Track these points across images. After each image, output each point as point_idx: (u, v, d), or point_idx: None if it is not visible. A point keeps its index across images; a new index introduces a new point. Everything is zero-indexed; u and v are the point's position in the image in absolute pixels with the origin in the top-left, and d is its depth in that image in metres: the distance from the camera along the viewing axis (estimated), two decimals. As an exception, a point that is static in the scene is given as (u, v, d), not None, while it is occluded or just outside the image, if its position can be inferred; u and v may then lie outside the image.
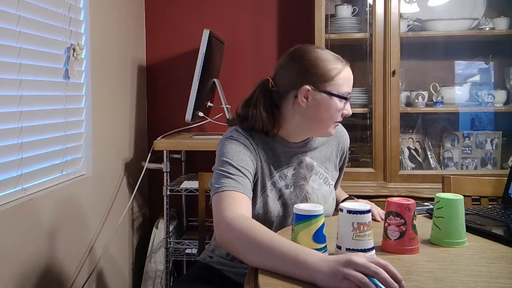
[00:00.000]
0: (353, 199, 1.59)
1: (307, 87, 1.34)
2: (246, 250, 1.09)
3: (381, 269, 0.91)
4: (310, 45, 1.42)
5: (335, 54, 1.39)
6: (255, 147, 1.39)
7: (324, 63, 1.35)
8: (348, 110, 1.40)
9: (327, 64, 1.35)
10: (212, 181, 1.30)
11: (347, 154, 1.60)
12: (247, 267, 1.13)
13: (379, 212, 1.44)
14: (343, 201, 1.57)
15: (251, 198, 1.29)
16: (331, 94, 1.35)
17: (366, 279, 0.89)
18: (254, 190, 1.37)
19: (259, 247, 1.06)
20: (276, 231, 1.36)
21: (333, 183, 1.53)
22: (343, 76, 1.35)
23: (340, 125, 1.54)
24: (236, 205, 1.21)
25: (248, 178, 1.31)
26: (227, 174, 1.28)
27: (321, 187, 1.47)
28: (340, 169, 1.60)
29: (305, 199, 1.43)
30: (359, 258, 0.93)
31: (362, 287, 0.89)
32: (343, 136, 1.57)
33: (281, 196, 1.41)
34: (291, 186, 1.43)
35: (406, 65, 2.54)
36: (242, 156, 1.33)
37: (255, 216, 1.37)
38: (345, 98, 1.37)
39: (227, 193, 1.23)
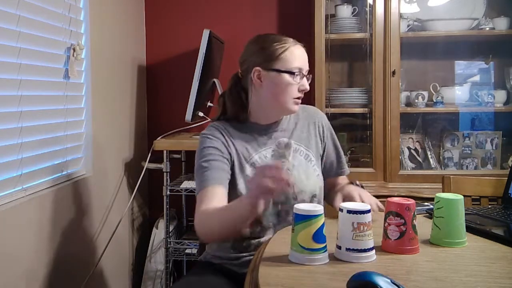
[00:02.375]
0: (362, 187, 1.57)
1: (257, 68, 1.45)
2: (211, 229, 1.35)
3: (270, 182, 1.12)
4: (266, 33, 1.54)
5: (288, 37, 1.50)
6: (225, 135, 1.48)
7: (270, 44, 1.46)
8: (305, 85, 1.46)
9: (274, 45, 1.45)
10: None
11: (332, 132, 1.62)
12: (247, 256, 1.33)
13: (377, 203, 1.42)
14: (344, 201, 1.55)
15: (226, 182, 1.43)
16: (279, 71, 1.43)
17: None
18: (233, 173, 1.46)
19: (216, 220, 1.33)
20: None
21: (317, 161, 1.55)
22: (290, 52, 1.45)
23: (312, 106, 1.66)
24: (209, 201, 1.36)
25: (219, 165, 1.43)
26: (200, 174, 1.43)
27: (301, 163, 1.51)
28: (335, 149, 1.60)
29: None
30: (253, 179, 1.19)
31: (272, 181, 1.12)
32: (316, 114, 1.62)
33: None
34: None
35: (406, 65, 2.53)
36: (210, 151, 1.45)
37: (239, 196, 1.42)
38: (293, 73, 1.43)
39: (201, 193, 1.39)
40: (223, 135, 1.48)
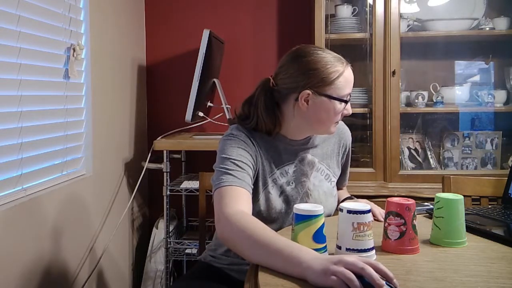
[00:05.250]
0: (352, 198, 1.60)
1: (308, 91, 1.35)
2: (243, 246, 1.13)
3: (367, 265, 0.92)
4: (311, 46, 1.41)
5: (336, 55, 1.39)
6: (255, 144, 1.40)
7: (325, 66, 1.35)
8: (348, 110, 1.41)
9: (328, 68, 1.35)
10: (213, 178, 1.33)
11: (350, 151, 1.61)
12: (248, 264, 1.16)
13: (381, 212, 1.44)
14: (342, 201, 1.57)
15: (250, 191, 1.32)
16: (331, 97, 1.36)
17: (351, 274, 0.91)
18: (256, 186, 1.39)
19: (256, 243, 1.10)
20: (278, 227, 1.40)
21: (335, 180, 1.54)
22: (343, 79, 1.36)
23: (342, 122, 1.54)
24: (236, 201, 1.24)
25: (247, 172, 1.33)
26: (225, 170, 1.31)
27: (322, 183, 1.48)
28: (344, 166, 1.61)
29: (306, 196, 1.45)
30: (351, 257, 0.95)
31: (347, 283, 0.91)
32: (345, 132, 1.58)
33: (282, 193, 1.43)
34: (292, 183, 1.44)
35: (406, 65, 2.54)
36: (240, 152, 1.35)
37: (258, 212, 1.39)
38: (345, 101, 1.38)
39: (226, 189, 1.27)
40: (253, 143, 1.40)
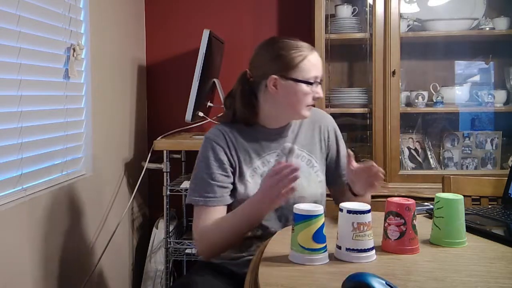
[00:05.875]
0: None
1: (274, 76, 1.43)
2: (222, 242, 1.40)
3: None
4: (279, 36, 1.52)
5: (303, 42, 1.47)
6: (228, 139, 1.47)
7: (289, 51, 1.43)
8: (319, 93, 1.45)
9: (292, 52, 1.42)
10: (188, 191, 1.50)
11: (340, 137, 1.62)
12: (249, 255, 1.33)
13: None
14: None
15: (226, 200, 1.45)
16: (297, 80, 1.42)
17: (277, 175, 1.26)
18: (234, 177, 1.47)
19: (226, 230, 1.38)
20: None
21: (318, 165, 1.54)
22: (308, 62, 1.42)
23: (319, 109, 1.62)
24: (207, 220, 1.44)
25: (220, 182, 1.44)
26: (200, 186, 1.46)
27: (303, 169, 1.50)
28: (338, 151, 1.60)
29: None
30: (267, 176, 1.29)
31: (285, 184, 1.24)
32: (323, 117, 1.61)
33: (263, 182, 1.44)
34: None
35: (406, 65, 2.53)
36: (214, 163, 1.45)
37: (239, 202, 1.43)
38: (311, 83, 1.42)
39: (201, 209, 1.47)
40: (227, 141, 1.47)
